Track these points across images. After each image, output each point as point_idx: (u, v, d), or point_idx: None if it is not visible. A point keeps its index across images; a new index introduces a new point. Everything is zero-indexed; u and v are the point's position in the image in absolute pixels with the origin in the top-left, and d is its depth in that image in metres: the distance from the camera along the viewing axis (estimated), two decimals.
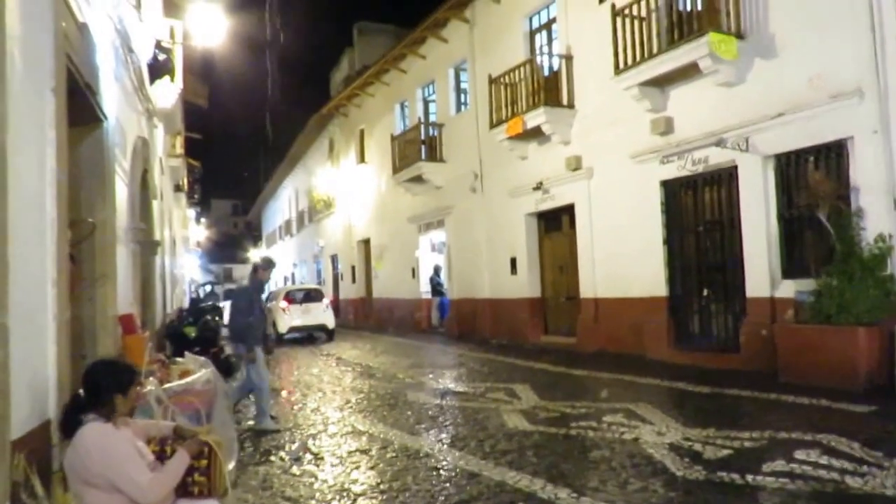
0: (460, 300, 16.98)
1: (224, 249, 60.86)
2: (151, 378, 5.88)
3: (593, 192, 12.38)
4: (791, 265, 8.94)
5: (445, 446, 6.16)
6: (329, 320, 18.41)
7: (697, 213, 10.45)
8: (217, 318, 13.69)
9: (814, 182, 8.29)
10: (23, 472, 2.84)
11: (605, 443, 5.91)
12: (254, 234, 57.78)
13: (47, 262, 3.77)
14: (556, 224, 13.99)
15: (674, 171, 10.50)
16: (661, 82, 10.47)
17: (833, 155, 8.40)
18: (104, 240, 6.09)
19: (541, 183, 13.56)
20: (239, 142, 59.37)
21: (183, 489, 3.22)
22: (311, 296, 19.07)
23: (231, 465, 4.89)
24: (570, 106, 12.84)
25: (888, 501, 4.13)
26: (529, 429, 6.63)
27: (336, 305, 25.56)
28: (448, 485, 5.04)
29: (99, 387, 2.96)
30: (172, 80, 11.06)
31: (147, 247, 10.24)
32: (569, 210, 13.17)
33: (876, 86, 7.77)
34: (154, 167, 11.77)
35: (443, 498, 4.73)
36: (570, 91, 12.88)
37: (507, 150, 14.28)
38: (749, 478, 4.65)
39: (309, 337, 18.62)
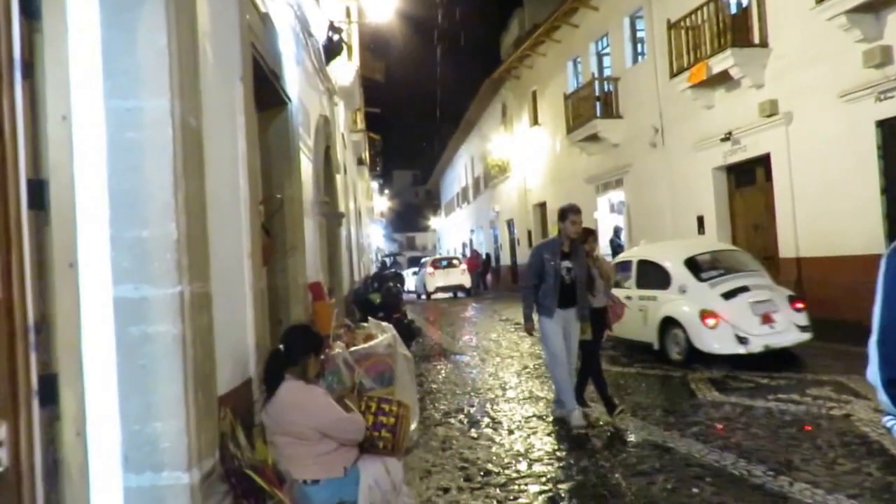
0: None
1: (406, 219, 63.72)
2: (338, 342, 6.23)
3: (792, 140, 10.99)
4: None
5: (627, 415, 5.86)
6: (466, 281, 24.93)
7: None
8: (399, 285, 14.32)
9: None
10: (229, 424, 3.10)
11: (810, 418, 5.27)
12: (433, 203, 59.82)
13: (243, 236, 4.04)
14: (748, 177, 12.69)
15: (893, 108, 8.97)
16: (875, 6, 8.94)
17: None
18: (292, 213, 6.47)
19: (730, 133, 12.33)
20: (416, 113, 61.46)
21: (369, 444, 3.38)
22: (452, 263, 26.06)
23: (413, 426, 5.04)
24: (763, 45, 11.45)
25: None
26: (720, 399, 6.11)
27: (514, 271, 26.11)
28: (628, 455, 4.77)
29: (294, 348, 3.32)
30: (350, 58, 11.52)
31: (332, 219, 10.86)
32: (763, 161, 11.85)
33: None
34: (336, 143, 12.42)
35: (623, 468, 4.48)
36: (763, 28, 11.48)
37: (689, 101, 13.17)
38: None
39: (454, 295, 24.78)
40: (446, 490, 4.30)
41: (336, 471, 3.20)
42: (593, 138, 17.60)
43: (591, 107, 17.41)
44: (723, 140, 12.52)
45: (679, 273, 8.24)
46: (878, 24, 9.14)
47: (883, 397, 1.72)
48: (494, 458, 4.93)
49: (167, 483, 2.41)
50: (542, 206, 24.13)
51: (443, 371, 8.96)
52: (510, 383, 7.72)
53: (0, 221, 1.86)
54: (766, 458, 4.41)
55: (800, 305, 8.03)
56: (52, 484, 1.97)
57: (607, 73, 18.14)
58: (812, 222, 10.67)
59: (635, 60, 16.68)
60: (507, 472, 4.60)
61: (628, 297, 8.47)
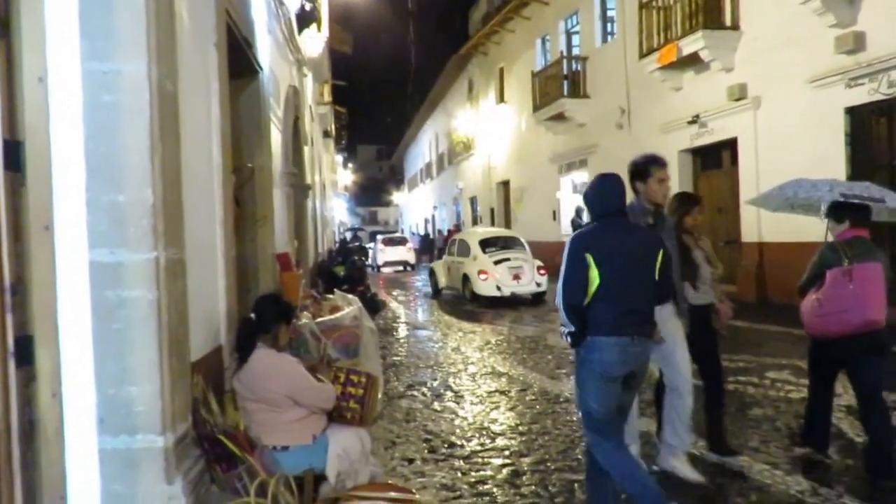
0: None
1: (369, 193, 63.37)
2: (305, 312, 6.24)
3: (760, 124, 11.22)
4: None
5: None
6: (410, 258, 27.44)
7: (893, 145, 9.11)
8: (363, 259, 14.31)
9: None
10: (200, 390, 3.13)
11: (768, 401, 5.46)
12: (397, 178, 59.59)
13: (215, 204, 4.00)
14: (714, 161, 12.96)
15: (863, 95, 9.19)
16: None
17: None
18: (262, 183, 6.42)
19: (697, 116, 12.53)
20: (382, 87, 60.76)
21: (338, 413, 3.44)
22: (400, 241, 29.42)
23: (378, 397, 5.10)
24: (735, 28, 11.60)
25: None
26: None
27: None
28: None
29: (266, 317, 3.35)
30: (319, 29, 11.33)
31: (300, 190, 10.77)
32: (730, 145, 12.10)
33: None
34: (304, 114, 12.27)
35: (583, 444, 4.61)
36: (735, 11, 11.61)
37: (658, 82, 13.33)
38: None
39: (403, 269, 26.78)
40: (411, 461, 4.38)
41: (305, 438, 3.25)
42: (559, 117, 17.71)
43: (558, 86, 17.49)
44: (690, 123, 12.72)
45: (475, 248, 13.38)
46: (851, 9, 9.25)
47: (563, 317, 3.12)
48: (458, 430, 5.03)
49: (141, 446, 2.43)
50: (505, 184, 24.26)
51: (405, 344, 9.04)
52: (472, 358, 7.83)
53: None
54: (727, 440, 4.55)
55: (542, 271, 12.90)
56: (28, 444, 1.98)
57: (576, 51, 18.20)
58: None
59: (605, 40, 16.77)
60: (470, 444, 4.69)
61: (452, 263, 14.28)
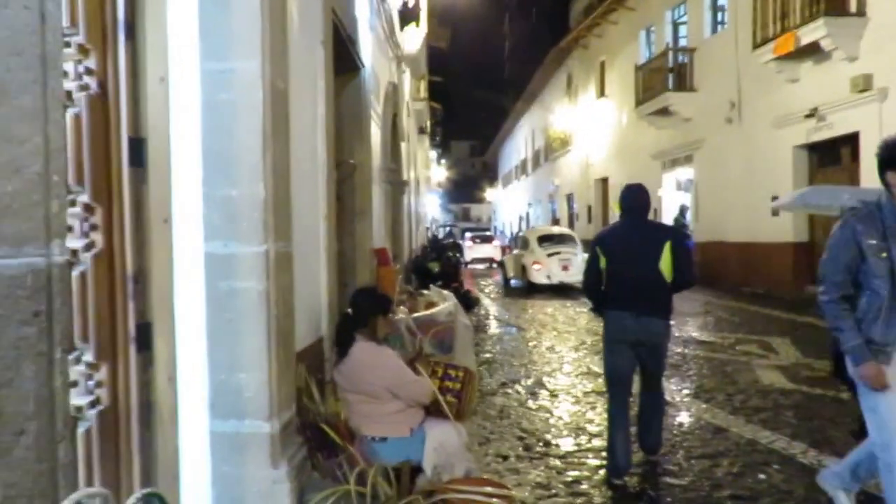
0: (707, 243, 15.72)
1: (462, 190, 63.64)
2: (401, 307, 6.33)
3: (886, 118, 10.36)
4: None
5: (689, 397, 5.77)
6: (496, 254, 27.09)
7: None
8: (457, 255, 14.48)
9: None
10: (304, 379, 3.23)
11: None
12: (490, 175, 59.54)
13: (319, 199, 4.12)
14: (832, 157, 12.10)
15: None
16: None
17: None
18: (362, 179, 6.57)
19: (815, 109, 11.73)
20: (477, 83, 60.83)
21: (436, 407, 3.46)
22: (484, 238, 30.99)
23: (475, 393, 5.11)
24: (860, 14, 10.77)
25: None
26: (789, 387, 5.94)
27: None
28: (691, 437, 4.72)
29: (364, 309, 3.39)
30: (418, 25, 11.47)
31: (397, 186, 10.96)
32: (851, 140, 11.25)
33: None
34: (402, 111, 12.45)
35: (684, 450, 4.43)
36: None
37: (772, 74, 12.58)
38: None
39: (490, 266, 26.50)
40: (505, 458, 4.35)
41: (403, 430, 3.28)
42: (663, 112, 17.10)
43: (663, 79, 16.90)
44: (807, 116, 11.94)
45: (532, 243, 15.57)
46: None
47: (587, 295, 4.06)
48: (553, 429, 4.95)
49: (249, 431, 2.53)
50: (604, 181, 23.69)
51: (499, 342, 9.00)
52: (567, 358, 7.69)
53: (103, 177, 1.95)
54: (841, 450, 4.26)
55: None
56: (146, 424, 2.09)
57: (683, 43, 17.51)
58: None
59: (714, 30, 16.04)
60: (566, 443, 4.61)
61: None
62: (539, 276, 14.80)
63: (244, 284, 2.55)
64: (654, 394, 4.17)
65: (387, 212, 9.18)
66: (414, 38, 12.26)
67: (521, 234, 19.09)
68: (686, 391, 5.98)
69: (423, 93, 19.72)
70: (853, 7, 10.88)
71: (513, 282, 16.66)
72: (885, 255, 2.75)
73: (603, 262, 3.92)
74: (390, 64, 10.19)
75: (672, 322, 4.30)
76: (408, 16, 10.84)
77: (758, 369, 6.66)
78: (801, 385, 5.98)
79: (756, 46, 12.62)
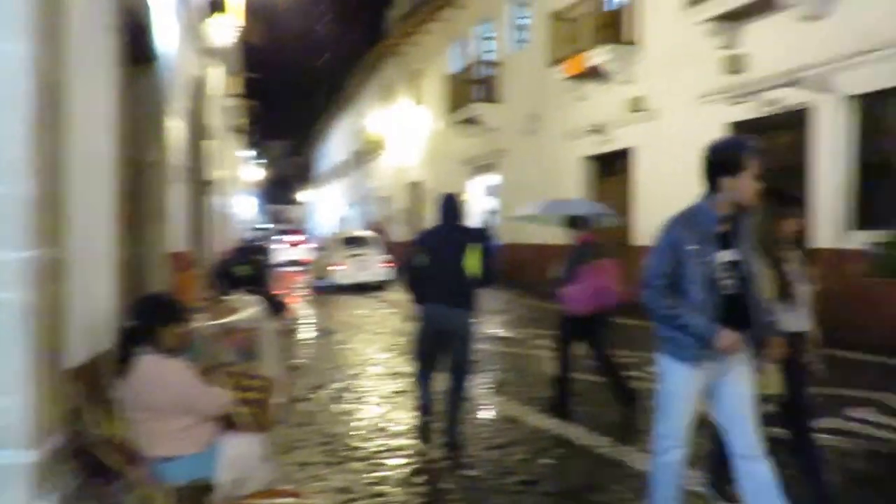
0: (510, 245, 16.80)
1: (279, 191, 61.83)
2: (201, 314, 6.01)
3: (655, 136, 11.82)
4: (866, 216, 8.39)
5: (488, 391, 6.13)
6: (309, 257, 25.42)
7: (766, 157, 9.83)
8: (268, 258, 14.04)
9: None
10: (79, 399, 2.94)
11: (653, 393, 5.73)
12: (307, 176, 58.49)
13: (105, 200, 3.79)
14: (613, 168, 13.52)
15: (743, 113, 9.88)
16: (737, 16, 9.76)
17: None
18: (157, 178, 6.14)
19: (599, 125, 13.06)
20: (295, 82, 59.43)
21: (233, 419, 3.32)
22: (298, 240, 30.57)
23: (280, 401, 5.00)
24: (635, 43, 12.18)
25: None
26: (575, 377, 6.53)
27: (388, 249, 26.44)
28: (487, 429, 5.03)
29: (147, 319, 3.16)
30: (230, 17, 10.98)
31: (200, 186, 10.39)
32: (627, 154, 12.68)
33: None
34: (209, 106, 11.84)
35: (482, 441, 4.72)
36: (636, 27, 12.20)
37: (565, 91, 13.77)
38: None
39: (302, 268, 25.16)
40: (309, 465, 4.33)
41: (196, 447, 3.13)
42: (472, 121, 17.95)
43: (472, 90, 17.71)
44: (592, 131, 13.22)
45: (336, 245, 17.18)
46: (736, 32, 9.96)
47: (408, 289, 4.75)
48: (357, 432, 5.01)
49: (8, 462, 2.26)
50: (417, 185, 24.34)
51: (308, 347, 8.90)
52: (375, 360, 7.81)
53: None
54: (613, 432, 4.80)
55: (387, 265, 16.39)
56: None
57: (490, 57, 18.50)
58: (666, 213, 11.51)
59: (518, 47, 17.14)
60: (369, 446, 4.68)
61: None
62: (340, 276, 16.13)
63: (4, 295, 2.29)
64: (458, 382, 4.59)
65: (188, 213, 8.66)
66: (225, 32, 11.70)
67: (326, 237, 20.23)
68: (485, 385, 6.34)
69: (238, 89, 18.89)
70: (630, 37, 12.26)
71: (319, 283, 17.40)
72: (703, 260, 2.79)
73: (422, 260, 4.49)
74: (196, 56, 9.63)
75: (476, 320, 4.71)
76: (215, 4, 10.33)
77: (549, 361, 7.24)
78: (586, 374, 6.61)
79: (552, 65, 13.73)
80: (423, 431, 4.68)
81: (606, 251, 5.40)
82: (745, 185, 2.82)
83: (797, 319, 3.25)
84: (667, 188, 11.50)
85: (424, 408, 4.71)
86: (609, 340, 5.46)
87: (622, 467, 4.11)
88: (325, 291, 16.06)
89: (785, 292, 3.19)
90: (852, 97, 8.43)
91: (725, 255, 2.84)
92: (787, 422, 3.29)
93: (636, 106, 12.03)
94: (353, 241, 17.34)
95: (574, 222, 5.55)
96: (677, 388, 2.93)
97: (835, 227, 8.58)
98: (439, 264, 4.44)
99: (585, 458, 4.32)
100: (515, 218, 9.68)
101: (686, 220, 2.90)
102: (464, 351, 4.56)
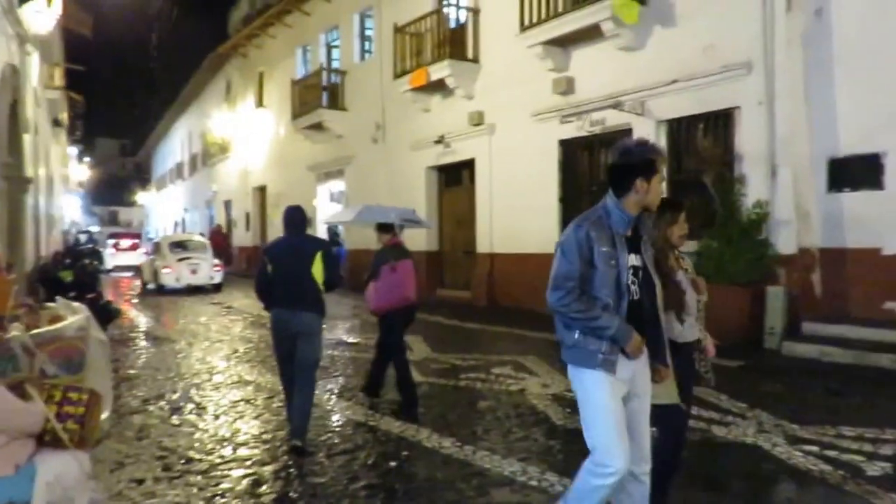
0: (357, 251, 16.81)
1: (110, 191, 57.06)
2: (16, 324, 5.45)
3: (494, 149, 12.47)
4: None
5: (335, 397, 6.12)
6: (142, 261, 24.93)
7: (592, 174, 10.77)
8: (96, 263, 12.95)
9: (702, 148, 8.73)
10: None
11: (492, 394, 6.07)
12: (143, 177, 54.52)
13: None
14: (456, 178, 14.04)
15: (572, 131, 10.73)
16: (565, 42, 10.58)
17: (721, 123, 8.83)
18: None
19: (442, 137, 13.51)
20: (128, 78, 55.29)
21: (52, 436, 3.06)
22: (129, 244, 30.88)
23: (105, 415, 4.64)
24: (476, 60, 12.78)
25: (748, 448, 4.48)
26: (419, 380, 6.66)
27: (229, 253, 25.31)
28: (334, 434, 5.02)
29: None
30: (49, 3, 10.06)
31: (16, 184, 9.39)
32: (469, 165, 13.23)
33: (763, 60, 8.19)
34: (27, 98, 10.74)
35: (327, 447, 4.71)
36: (476, 46, 12.81)
37: (410, 102, 14.08)
38: None
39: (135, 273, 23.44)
40: (141, 481, 4.08)
41: (6, 468, 2.85)
42: (318, 127, 17.80)
43: (318, 96, 17.57)
44: (436, 142, 13.67)
45: (164, 248, 17.26)
46: (565, 57, 10.82)
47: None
48: (197, 444, 4.80)
49: None
50: (262, 189, 23.65)
51: (144, 356, 8.35)
52: (218, 368, 7.50)
53: None
54: (456, 431, 4.95)
55: (218, 268, 17.04)
56: None
57: (336, 65, 18.44)
58: (504, 222, 12.22)
59: (363, 57, 17.27)
60: (210, 458, 4.51)
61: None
62: (168, 279, 16.39)
63: None
64: (304, 380, 4.73)
65: (2, 213, 7.81)
66: (44, 19, 10.67)
67: (156, 240, 20.38)
68: (332, 391, 6.32)
69: (59, 81, 17.26)
70: (470, 54, 12.82)
71: (149, 286, 17.61)
72: (613, 262, 2.69)
73: (270, 269, 4.72)
74: (10, 43, 8.72)
75: (325, 325, 4.98)
76: None
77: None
78: (430, 377, 6.81)
79: (396, 77, 14.00)
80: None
81: (407, 254, 5.82)
82: (655, 189, 2.77)
83: (690, 329, 3.19)
84: (505, 199, 12.19)
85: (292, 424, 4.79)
86: (402, 336, 5.90)
87: (468, 466, 4.26)
88: (160, 295, 15.52)
89: (677, 301, 3.12)
90: (662, 121, 9.46)
91: (632, 260, 2.76)
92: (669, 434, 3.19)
93: (477, 120, 12.62)
94: (181, 245, 17.59)
95: (383, 227, 5.96)
96: (598, 394, 2.68)
97: None
98: (287, 272, 4.69)
99: (431, 458, 4.43)
100: (330, 222, 10.16)
101: (596, 221, 2.75)
102: (310, 351, 4.72)
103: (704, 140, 8.85)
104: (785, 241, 8.10)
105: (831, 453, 4.27)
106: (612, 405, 2.68)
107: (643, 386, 2.81)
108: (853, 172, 7.83)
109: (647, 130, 9.55)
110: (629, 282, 2.73)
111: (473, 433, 4.94)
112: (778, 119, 8.09)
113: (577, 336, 2.72)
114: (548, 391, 6.05)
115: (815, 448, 4.36)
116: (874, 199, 7.67)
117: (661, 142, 9.50)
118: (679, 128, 9.39)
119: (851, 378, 6.39)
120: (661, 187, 2.82)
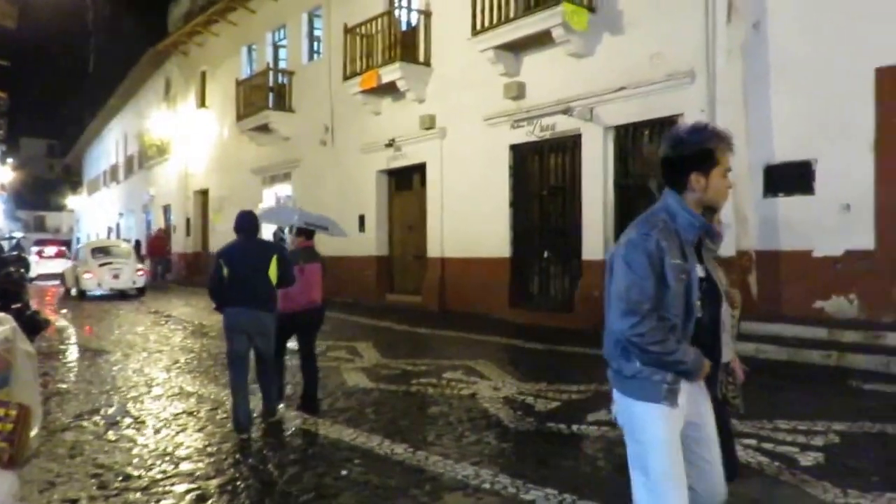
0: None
1: (36, 195, 54.61)
2: None
3: (445, 153, 12.42)
4: (622, 230, 9.52)
5: (282, 406, 5.92)
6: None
7: (542, 179, 10.84)
8: (22, 270, 12.28)
9: (647, 153, 8.90)
10: None
11: (444, 399, 5.99)
12: (73, 180, 52.28)
13: None
14: (407, 182, 13.93)
15: (523, 136, 10.78)
16: (516, 47, 10.63)
17: (666, 129, 8.96)
18: None
19: (393, 140, 13.38)
20: (57, 74, 53.01)
21: None
22: (55, 251, 31.09)
23: (35, 431, 4.35)
24: (427, 64, 12.71)
25: None
26: (370, 386, 6.57)
27: (167, 259, 24.59)
28: (282, 444, 4.86)
29: None
30: None
31: None
32: (420, 169, 13.14)
33: (705, 68, 8.41)
34: None
35: (276, 458, 4.53)
36: (428, 49, 12.74)
37: (360, 105, 13.91)
38: (574, 427, 4.93)
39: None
40: (75, 501, 3.82)
41: None
42: (264, 129, 17.43)
43: (264, 97, 17.22)
44: (387, 146, 13.53)
45: (86, 254, 17.54)
46: (517, 62, 10.87)
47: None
48: (136, 460, 4.53)
49: None
50: (204, 192, 22.97)
51: (76, 368, 7.92)
52: (157, 379, 7.17)
53: None
54: (408, 437, 4.85)
55: (141, 273, 17.31)
56: None
57: (283, 65, 18.10)
58: (455, 227, 12.18)
59: (311, 58, 16.99)
60: (150, 473, 4.26)
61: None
62: (90, 283, 16.56)
63: None
64: (271, 368, 5.29)
65: None
66: None
67: (79, 246, 20.76)
68: (281, 402, 6.10)
69: None
70: (423, 58, 12.76)
71: (72, 291, 17.69)
72: (684, 276, 2.22)
73: (225, 272, 4.99)
74: None
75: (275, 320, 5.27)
76: None
77: (345, 372, 7.21)
78: (380, 383, 6.68)
79: (346, 78, 13.81)
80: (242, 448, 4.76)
81: (317, 257, 5.87)
82: (717, 184, 2.31)
83: (725, 347, 2.46)
84: (457, 203, 12.16)
85: (238, 422, 4.97)
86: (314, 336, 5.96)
87: (420, 472, 4.18)
88: (90, 303, 15.12)
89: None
90: (610, 127, 9.59)
91: (699, 272, 2.29)
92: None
93: (428, 123, 12.54)
94: (103, 251, 17.82)
95: (300, 231, 6.03)
96: (660, 434, 2.23)
97: (600, 241, 9.65)
98: (245, 274, 5.00)
99: (383, 465, 4.33)
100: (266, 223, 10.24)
101: (664, 226, 2.27)
102: (268, 346, 5.18)
103: (650, 145, 9.03)
104: (724, 244, 8.24)
105: (768, 446, 4.37)
106: (673, 441, 2.25)
107: (708, 413, 2.38)
108: (787, 178, 8.12)
109: (596, 136, 9.68)
110: (697, 298, 2.26)
111: (426, 438, 4.85)
112: (720, 126, 8.25)
113: (638, 366, 2.25)
114: (499, 394, 6.01)
115: (753, 441, 4.45)
116: (805, 203, 7.96)
117: (609, 148, 9.64)
118: (626, 134, 9.54)
119: (786, 374, 6.60)
120: (725, 181, 2.33)
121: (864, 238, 7.49)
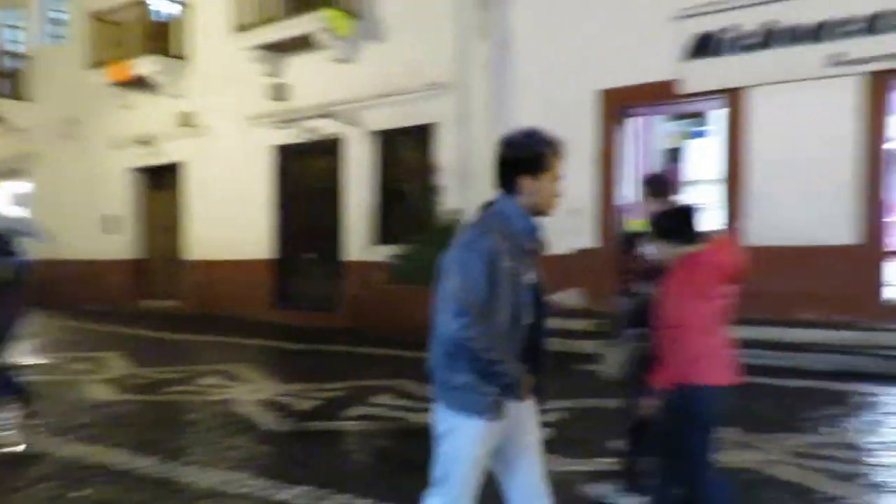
0: (43, 261, 14.68)
1: None
2: None
3: (205, 152, 11.96)
4: (385, 233, 9.99)
5: (7, 427, 5.30)
6: None
7: (306, 180, 10.94)
8: None
9: (406, 159, 9.43)
10: None
11: (197, 406, 5.87)
12: None
13: None
14: (162, 182, 13.15)
15: (287, 137, 10.77)
16: (280, 49, 10.59)
17: (423, 137, 9.59)
18: None
19: (148, 137, 12.54)
20: None
21: None
22: None
23: None
24: (184, 58, 12.11)
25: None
26: (115, 399, 6.17)
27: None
28: (8, 468, 4.38)
29: None
30: None
31: None
32: (178, 168, 12.48)
33: (458, 81, 9.09)
34: None
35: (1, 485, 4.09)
36: (185, 42, 12.14)
37: (110, 97, 12.87)
38: (332, 424, 5.12)
39: None
40: None
41: None
42: None
43: None
44: (140, 142, 12.67)
45: None
46: (280, 63, 10.79)
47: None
48: None
49: None
50: None
51: None
52: None
53: None
54: (158, 449, 4.64)
55: None
56: None
57: (19, 48, 16.06)
58: (215, 228, 11.78)
59: (53, 42, 15.25)
60: None
61: None
62: None
63: None
64: None
65: None
66: None
67: None
68: (8, 421, 5.47)
69: None
70: (179, 51, 12.14)
71: None
72: (517, 281, 2.22)
73: None
74: None
75: None
76: None
77: (88, 385, 6.66)
78: (127, 394, 6.29)
79: (93, 67, 12.67)
80: None
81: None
82: (546, 189, 2.31)
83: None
84: (217, 204, 11.78)
85: None
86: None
87: (169, 483, 4.04)
88: None
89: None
90: (374, 132, 9.99)
91: (531, 276, 2.30)
92: None
93: (186, 121, 11.99)
94: None
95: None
96: (469, 449, 2.27)
97: (362, 242, 9.99)
98: None
99: (128, 481, 4.09)
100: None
101: (500, 229, 2.25)
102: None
103: (408, 151, 9.56)
104: None
105: None
106: (477, 459, 2.30)
107: (530, 421, 2.44)
108: None
109: (359, 140, 10.00)
110: (527, 303, 2.27)
111: (177, 448, 4.70)
112: (471, 135, 9.04)
113: (465, 377, 2.22)
114: (256, 397, 6.00)
115: None
116: None
117: (371, 152, 10.01)
118: (388, 139, 9.98)
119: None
120: (556, 187, 2.33)
121: (588, 238, 8.54)
